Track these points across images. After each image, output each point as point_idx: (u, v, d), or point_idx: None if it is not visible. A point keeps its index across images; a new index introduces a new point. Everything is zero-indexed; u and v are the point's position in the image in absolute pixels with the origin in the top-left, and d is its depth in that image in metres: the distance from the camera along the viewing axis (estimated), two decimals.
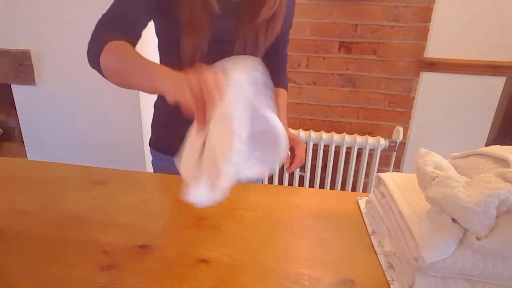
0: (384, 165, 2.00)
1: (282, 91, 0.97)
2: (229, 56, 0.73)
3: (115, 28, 0.68)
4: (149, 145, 0.94)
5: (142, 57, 0.63)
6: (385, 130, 1.93)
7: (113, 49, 0.65)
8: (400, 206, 0.51)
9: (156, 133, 0.92)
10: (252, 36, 0.79)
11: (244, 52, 0.80)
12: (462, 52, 1.68)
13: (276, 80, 0.91)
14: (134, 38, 0.71)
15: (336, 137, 1.85)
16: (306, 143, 1.91)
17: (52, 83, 1.45)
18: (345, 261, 0.53)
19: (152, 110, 0.93)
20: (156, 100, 0.91)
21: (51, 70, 1.43)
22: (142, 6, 0.72)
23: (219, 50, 0.75)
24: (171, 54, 0.78)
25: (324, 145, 1.89)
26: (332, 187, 2.03)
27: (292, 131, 1.88)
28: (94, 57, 0.67)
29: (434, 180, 0.45)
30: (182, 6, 0.72)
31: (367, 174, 1.98)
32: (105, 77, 0.68)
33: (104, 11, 0.71)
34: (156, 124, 0.92)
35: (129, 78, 0.63)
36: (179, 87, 0.49)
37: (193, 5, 0.72)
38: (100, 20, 0.70)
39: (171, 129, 0.88)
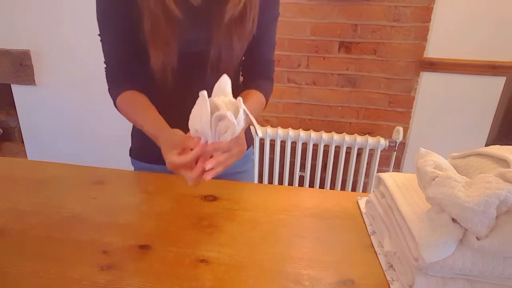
0: (384, 165, 2.00)
1: (254, 93, 0.79)
2: (203, 66, 0.74)
3: (117, 81, 0.77)
4: (129, 155, 0.92)
5: (143, 114, 0.72)
6: (385, 130, 1.93)
7: (121, 107, 0.76)
8: (400, 206, 0.51)
9: (135, 143, 0.91)
10: (226, 39, 0.73)
11: (219, 59, 0.74)
12: (462, 52, 1.68)
13: (255, 85, 0.82)
14: (137, 79, 0.78)
15: (336, 137, 1.85)
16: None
17: (52, 83, 1.45)
18: (345, 261, 0.53)
19: None
20: None
21: (51, 70, 1.43)
22: (122, 43, 0.74)
23: (192, 62, 0.74)
24: (148, 75, 0.77)
25: (324, 145, 1.89)
26: (332, 187, 2.03)
27: (292, 131, 1.89)
28: (115, 105, 0.78)
29: (434, 180, 0.45)
30: (145, 19, 0.68)
31: (367, 174, 1.98)
32: None
33: None
34: (135, 133, 0.91)
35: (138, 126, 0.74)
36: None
37: (154, 16, 0.68)
38: (105, 71, 0.78)
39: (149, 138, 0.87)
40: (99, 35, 0.75)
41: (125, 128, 1.50)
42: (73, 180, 0.74)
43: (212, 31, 0.72)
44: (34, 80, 1.44)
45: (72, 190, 0.71)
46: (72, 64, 1.40)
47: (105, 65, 0.77)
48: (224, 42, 0.73)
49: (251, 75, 0.87)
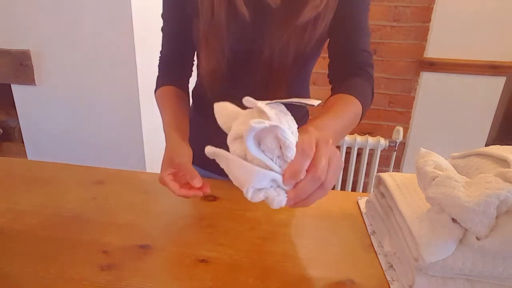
0: (384, 165, 2.00)
1: (344, 98, 0.61)
2: (254, 67, 0.70)
3: (166, 73, 0.78)
4: None
5: (170, 117, 0.69)
6: (385, 130, 1.93)
7: (157, 99, 0.75)
8: (400, 206, 0.51)
9: (191, 146, 0.89)
10: (283, 43, 0.64)
11: (271, 64, 0.67)
12: (462, 52, 1.68)
13: (346, 87, 0.63)
14: (185, 74, 0.79)
15: None
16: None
17: (52, 83, 1.45)
18: (345, 261, 0.53)
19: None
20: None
21: (51, 70, 1.42)
22: (177, 42, 0.76)
23: (242, 62, 0.69)
24: (198, 75, 0.79)
25: None
26: (332, 187, 2.03)
27: None
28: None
29: (434, 180, 0.45)
30: (202, 17, 0.64)
31: (367, 174, 1.98)
32: None
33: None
34: (191, 136, 0.89)
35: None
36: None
37: (215, 15, 0.63)
38: (159, 59, 0.79)
39: (194, 139, 0.78)
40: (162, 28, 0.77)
41: (126, 128, 1.50)
42: (73, 180, 0.74)
43: (272, 35, 0.65)
44: (34, 80, 1.44)
45: (72, 190, 0.71)
46: (72, 64, 1.40)
47: (159, 55, 0.79)
48: (278, 48, 0.65)
49: (343, 71, 0.68)
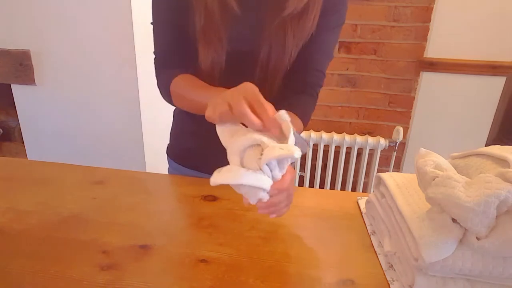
0: (384, 165, 2.00)
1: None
2: (252, 66, 0.69)
3: (169, 66, 0.72)
4: (166, 152, 0.90)
5: (203, 87, 0.65)
6: (385, 130, 1.93)
7: (176, 89, 0.69)
8: (400, 206, 0.51)
9: (173, 142, 0.88)
10: (279, 38, 0.66)
11: (268, 59, 0.67)
12: (462, 52, 1.68)
13: (293, 103, 0.70)
14: (189, 65, 0.72)
15: (336, 137, 1.85)
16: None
17: (52, 83, 1.45)
18: (345, 261, 0.53)
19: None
20: (175, 109, 0.85)
21: (51, 70, 1.42)
22: (174, 33, 0.71)
23: (241, 61, 0.69)
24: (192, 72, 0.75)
25: (324, 145, 1.89)
26: (332, 187, 2.03)
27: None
28: (166, 97, 0.72)
29: (434, 180, 0.45)
30: (198, 15, 0.66)
31: (367, 174, 1.98)
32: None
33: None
34: (174, 133, 0.88)
35: (196, 109, 0.65)
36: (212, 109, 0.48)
37: (209, 11, 0.65)
38: (154, 61, 0.75)
39: (189, 141, 0.84)
40: (151, 23, 0.74)
41: (126, 128, 1.50)
42: (73, 180, 0.74)
43: (266, 26, 0.66)
44: (34, 80, 1.44)
45: (72, 190, 0.71)
46: (72, 64, 1.40)
47: (154, 56, 0.75)
48: (276, 40, 0.66)
49: (293, 86, 0.74)
